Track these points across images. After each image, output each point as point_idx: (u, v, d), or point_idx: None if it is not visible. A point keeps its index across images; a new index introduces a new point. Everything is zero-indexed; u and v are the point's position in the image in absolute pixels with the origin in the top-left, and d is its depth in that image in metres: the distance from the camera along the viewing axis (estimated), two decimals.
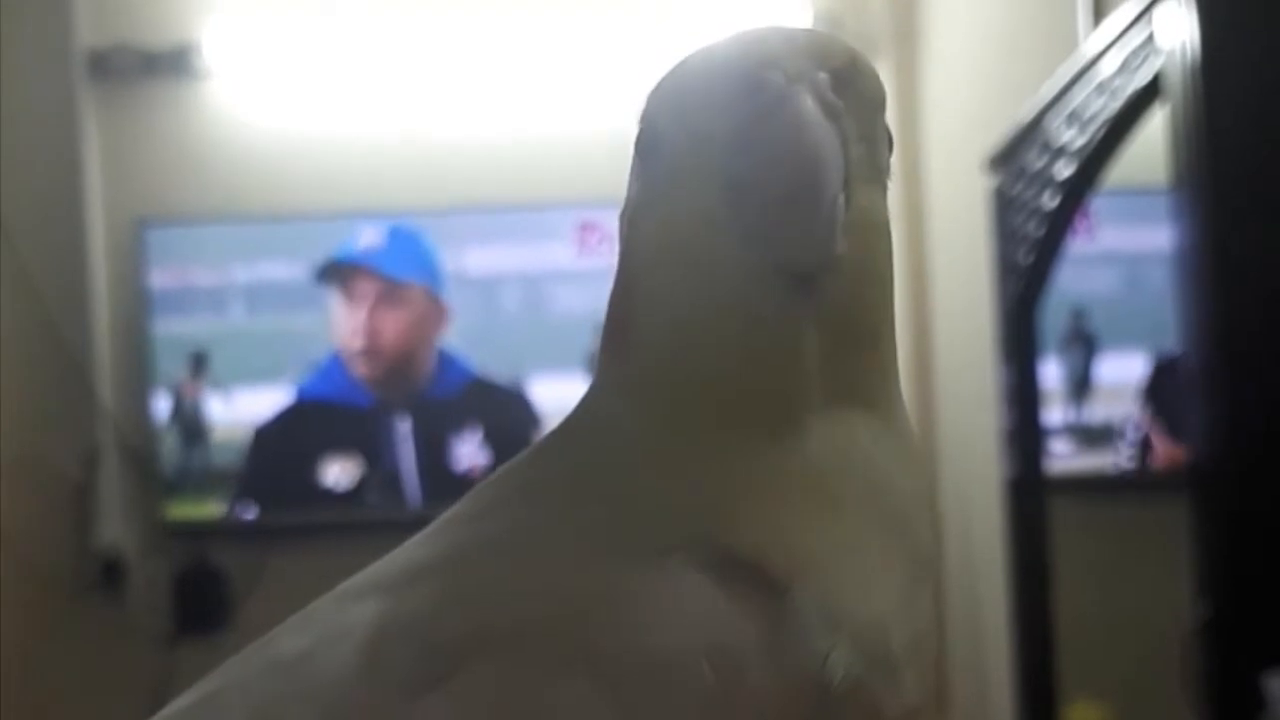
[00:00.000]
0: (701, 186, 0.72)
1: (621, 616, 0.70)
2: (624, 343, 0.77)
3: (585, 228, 3.77)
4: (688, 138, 0.73)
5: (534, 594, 0.71)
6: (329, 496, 3.80)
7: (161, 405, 3.79)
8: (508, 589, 0.72)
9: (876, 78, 0.79)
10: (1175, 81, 1.98)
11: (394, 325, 3.84)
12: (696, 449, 0.74)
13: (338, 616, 0.75)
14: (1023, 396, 2.79)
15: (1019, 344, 2.79)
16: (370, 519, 3.70)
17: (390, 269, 3.81)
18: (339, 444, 3.84)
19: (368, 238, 3.81)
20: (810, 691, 0.70)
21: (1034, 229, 2.64)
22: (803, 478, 0.73)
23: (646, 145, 0.76)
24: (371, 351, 3.84)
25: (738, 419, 0.73)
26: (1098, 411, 2.83)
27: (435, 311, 3.85)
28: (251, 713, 0.73)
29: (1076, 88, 2.44)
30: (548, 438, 0.82)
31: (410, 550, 0.79)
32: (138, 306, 3.80)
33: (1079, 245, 2.67)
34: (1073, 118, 2.45)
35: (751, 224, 0.70)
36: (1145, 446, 2.67)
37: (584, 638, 0.70)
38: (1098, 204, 2.58)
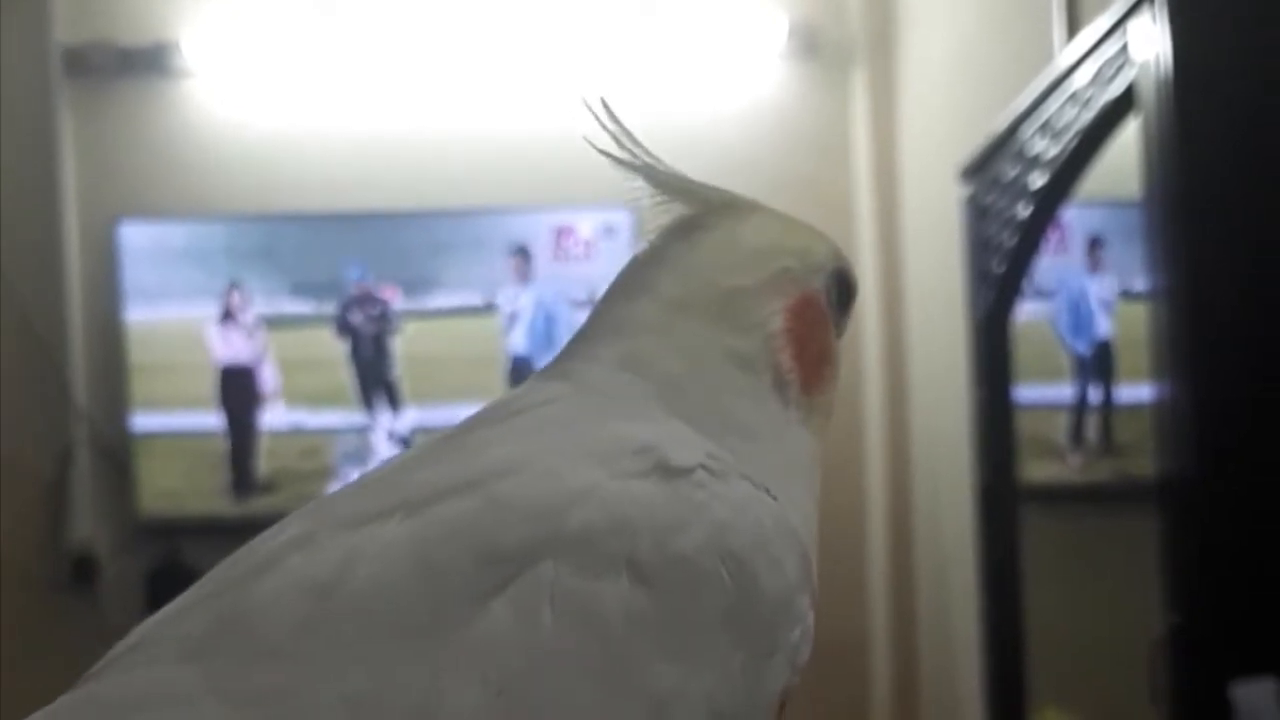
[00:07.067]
0: None
1: (654, 523, 0.77)
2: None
3: (561, 231, 3.78)
4: None
5: (576, 505, 0.77)
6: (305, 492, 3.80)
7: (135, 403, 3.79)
8: (551, 501, 0.77)
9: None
10: (1148, 93, 1.99)
11: None
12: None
13: (356, 536, 0.77)
14: (995, 404, 2.80)
15: (992, 352, 2.80)
16: None
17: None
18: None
19: None
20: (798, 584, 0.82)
21: (1007, 238, 2.65)
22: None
23: None
24: None
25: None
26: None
27: None
28: (295, 629, 0.74)
29: (1050, 99, 2.45)
30: (533, 391, 0.90)
31: (411, 473, 0.82)
32: (113, 304, 3.79)
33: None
34: (1046, 128, 2.46)
35: None
36: (1114, 454, 2.68)
37: (624, 543, 0.76)
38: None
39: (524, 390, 0.91)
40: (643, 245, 0.95)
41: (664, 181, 0.92)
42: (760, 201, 0.96)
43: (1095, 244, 2.68)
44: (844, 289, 0.96)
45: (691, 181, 0.93)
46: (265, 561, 0.78)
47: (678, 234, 0.93)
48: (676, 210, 0.93)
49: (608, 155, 0.91)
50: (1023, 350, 2.78)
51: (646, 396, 0.87)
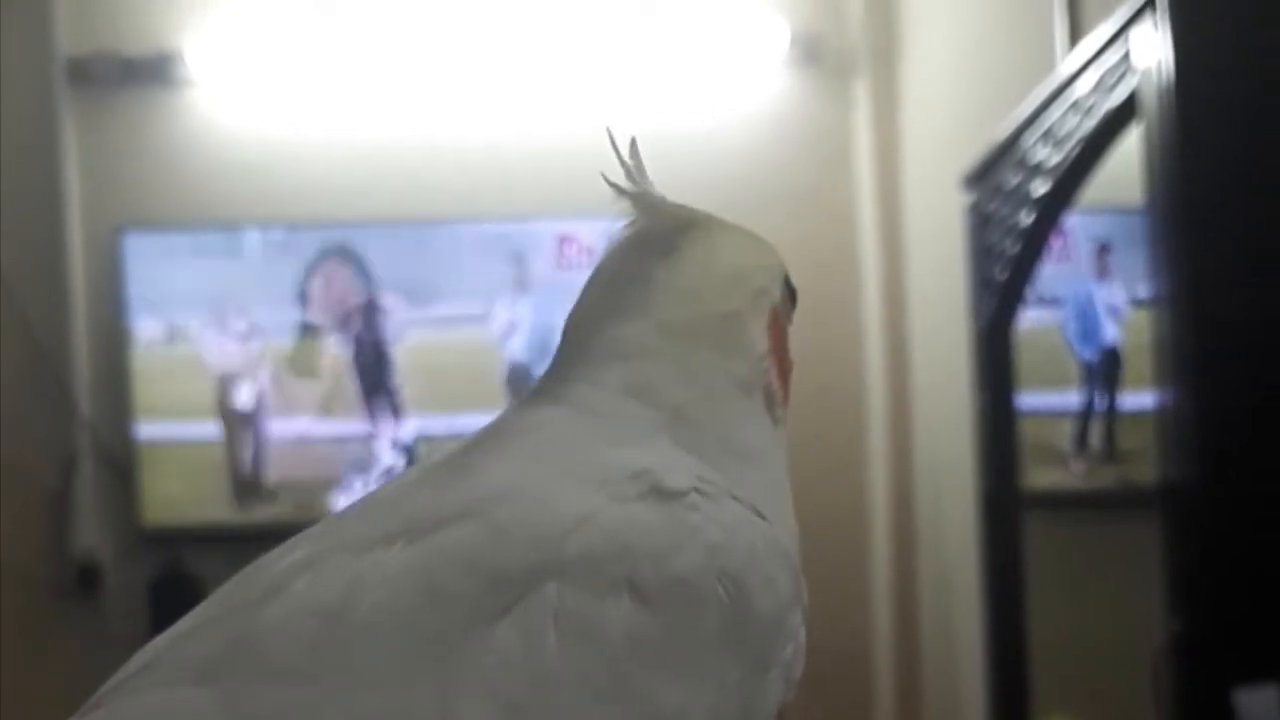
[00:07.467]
0: None
1: (652, 545, 0.79)
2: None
3: (564, 240, 3.77)
4: None
5: (576, 529, 0.78)
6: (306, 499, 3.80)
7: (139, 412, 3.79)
8: (551, 526, 0.79)
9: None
10: (1150, 101, 1.99)
11: None
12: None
13: (361, 562, 0.78)
14: (998, 411, 2.80)
15: (995, 359, 2.80)
16: None
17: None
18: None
19: None
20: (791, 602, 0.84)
21: (1010, 246, 2.65)
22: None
23: None
24: None
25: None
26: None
27: None
28: (305, 651, 0.75)
29: (1053, 106, 2.45)
30: (520, 418, 0.91)
31: (413, 496, 0.84)
32: (116, 313, 3.79)
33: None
34: (1048, 136, 2.46)
35: None
36: (1118, 461, 2.68)
37: (624, 565, 0.78)
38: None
39: (520, 412, 0.92)
40: (608, 259, 0.96)
41: (634, 198, 0.93)
42: (712, 214, 0.97)
43: (1103, 251, 2.68)
44: (791, 295, 1.00)
45: (657, 197, 0.94)
46: (273, 585, 0.79)
47: (651, 252, 0.94)
48: (640, 224, 0.95)
49: (608, 181, 0.92)
50: (1027, 357, 2.78)
51: (652, 423, 0.88)
